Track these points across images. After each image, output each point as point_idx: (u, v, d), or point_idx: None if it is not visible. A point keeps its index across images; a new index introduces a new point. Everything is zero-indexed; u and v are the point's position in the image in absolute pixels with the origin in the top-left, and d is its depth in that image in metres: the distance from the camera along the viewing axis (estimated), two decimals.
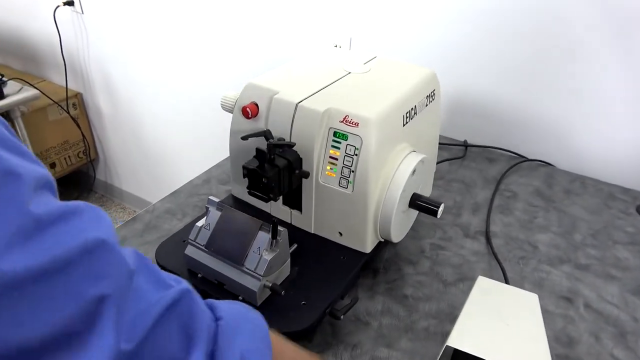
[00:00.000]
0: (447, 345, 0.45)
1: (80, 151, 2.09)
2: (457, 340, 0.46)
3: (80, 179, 2.31)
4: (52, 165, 2.01)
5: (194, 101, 1.63)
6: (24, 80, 1.80)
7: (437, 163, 0.96)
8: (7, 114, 1.73)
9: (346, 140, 0.60)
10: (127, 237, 0.76)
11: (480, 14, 0.98)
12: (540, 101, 0.99)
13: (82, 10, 1.71)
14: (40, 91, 1.76)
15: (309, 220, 0.68)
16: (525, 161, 1.01)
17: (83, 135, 2.05)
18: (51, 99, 1.87)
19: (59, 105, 1.90)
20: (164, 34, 1.55)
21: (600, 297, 0.68)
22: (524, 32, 0.95)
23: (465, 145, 1.05)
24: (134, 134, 1.92)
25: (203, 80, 1.56)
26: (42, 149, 1.94)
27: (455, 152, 1.03)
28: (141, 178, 2.07)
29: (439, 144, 1.03)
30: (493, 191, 0.90)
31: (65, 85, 1.93)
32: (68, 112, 1.94)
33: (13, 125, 1.75)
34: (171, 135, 1.79)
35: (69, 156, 2.05)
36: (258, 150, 0.58)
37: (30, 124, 1.80)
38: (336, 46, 1.21)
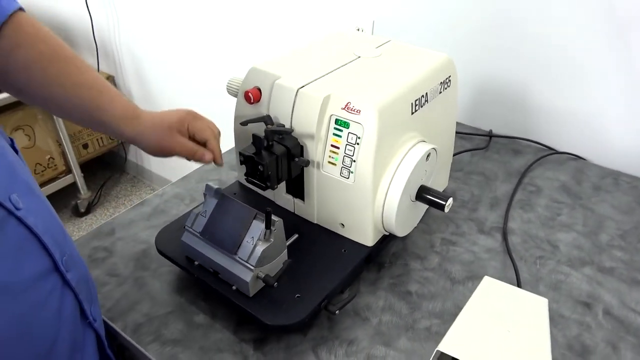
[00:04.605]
0: (437, 350, 0.42)
1: None
2: (449, 345, 0.43)
3: (113, 160, 2.37)
4: (85, 146, 2.07)
5: (222, 85, 1.63)
6: None
7: (457, 154, 0.92)
8: None
9: (348, 128, 0.57)
10: (134, 220, 0.77)
11: (512, 2, 0.91)
12: (573, 90, 0.92)
13: None
14: None
15: (312, 210, 0.66)
16: (553, 154, 0.94)
17: None
18: None
19: None
20: (194, 17, 1.55)
21: (622, 304, 0.63)
22: (556, 20, 0.88)
23: (490, 135, 1.00)
24: None
25: (229, 65, 1.55)
26: (76, 129, 1.99)
27: (478, 143, 0.98)
28: (169, 161, 2.10)
29: (461, 133, 0.99)
30: (515, 185, 0.85)
31: (97, 68, 1.98)
32: None
33: None
34: None
35: (101, 137, 2.11)
36: (255, 136, 0.56)
37: None
38: (359, 29, 1.17)
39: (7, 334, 0.43)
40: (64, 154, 1.95)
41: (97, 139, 2.10)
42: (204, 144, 0.62)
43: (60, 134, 1.88)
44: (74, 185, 2.03)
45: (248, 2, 1.37)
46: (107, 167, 2.37)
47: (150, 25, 1.70)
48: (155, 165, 2.21)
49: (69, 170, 1.99)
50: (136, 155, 2.27)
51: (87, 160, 2.11)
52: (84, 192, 2.07)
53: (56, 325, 0.48)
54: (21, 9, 0.51)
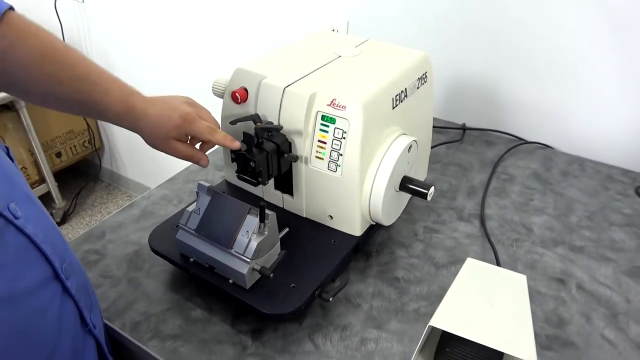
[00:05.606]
0: (429, 325, 0.46)
1: (85, 140, 2.11)
2: (439, 320, 0.46)
3: (87, 168, 2.33)
4: (58, 155, 2.03)
5: (196, 87, 1.63)
6: None
7: (434, 146, 0.96)
8: (12, 104, 1.75)
9: (334, 123, 0.60)
10: (123, 223, 0.78)
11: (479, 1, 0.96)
12: (540, 83, 0.98)
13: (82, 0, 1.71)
14: None
15: (300, 204, 0.68)
16: (524, 144, 1.00)
17: (88, 125, 2.07)
18: None
19: None
20: (164, 21, 1.55)
21: (593, 279, 0.68)
22: (524, 16, 0.93)
23: (464, 128, 1.04)
24: None
25: (205, 67, 1.56)
26: (48, 138, 1.96)
27: (453, 136, 1.03)
28: (146, 166, 2.09)
29: (437, 127, 1.03)
30: (489, 174, 0.89)
31: None
32: None
33: (18, 116, 1.78)
34: None
35: (74, 145, 2.08)
36: (245, 134, 0.59)
37: (35, 113, 1.82)
38: (334, 30, 1.20)
39: (7, 343, 0.43)
40: (36, 163, 1.91)
41: (71, 147, 2.06)
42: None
43: (33, 143, 1.84)
44: (48, 195, 2.00)
45: (222, 4, 1.38)
46: (82, 176, 2.34)
47: (122, 28, 1.69)
48: (131, 171, 2.19)
49: (42, 180, 1.95)
50: (111, 162, 2.24)
51: (61, 169, 2.08)
52: (59, 202, 2.04)
53: (56, 333, 0.48)
54: (11, 7, 0.52)
